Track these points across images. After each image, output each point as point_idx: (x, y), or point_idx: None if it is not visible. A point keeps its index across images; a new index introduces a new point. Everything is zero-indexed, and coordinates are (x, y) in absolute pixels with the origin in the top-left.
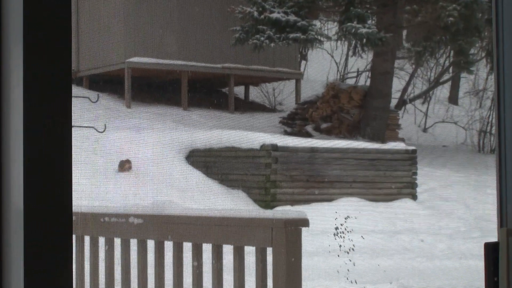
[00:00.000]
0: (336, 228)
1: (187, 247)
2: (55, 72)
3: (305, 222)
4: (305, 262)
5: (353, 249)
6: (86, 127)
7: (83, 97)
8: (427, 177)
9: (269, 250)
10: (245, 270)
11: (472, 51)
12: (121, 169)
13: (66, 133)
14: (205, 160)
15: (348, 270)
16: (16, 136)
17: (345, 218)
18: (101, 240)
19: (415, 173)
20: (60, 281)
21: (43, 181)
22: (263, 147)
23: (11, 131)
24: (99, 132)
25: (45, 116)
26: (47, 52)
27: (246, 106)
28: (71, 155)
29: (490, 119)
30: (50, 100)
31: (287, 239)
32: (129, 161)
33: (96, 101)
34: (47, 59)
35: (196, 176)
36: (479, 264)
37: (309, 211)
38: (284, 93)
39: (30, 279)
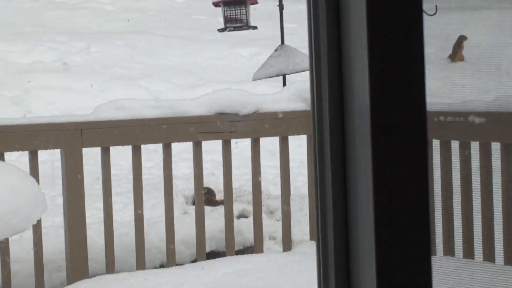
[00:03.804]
0: None
1: None
2: None
3: None
4: None
5: None
6: None
7: None
8: None
9: None
10: None
11: None
12: (455, 58)
13: (416, 19)
14: None
15: None
16: (358, 25)
17: None
18: (435, 143)
19: None
20: (415, 187)
21: (392, 74)
22: None
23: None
24: (429, 15)
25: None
26: None
27: None
28: (423, 45)
29: None
30: None
31: None
32: (463, 49)
33: None
34: None
35: None
36: None
37: None
38: None
39: (379, 182)
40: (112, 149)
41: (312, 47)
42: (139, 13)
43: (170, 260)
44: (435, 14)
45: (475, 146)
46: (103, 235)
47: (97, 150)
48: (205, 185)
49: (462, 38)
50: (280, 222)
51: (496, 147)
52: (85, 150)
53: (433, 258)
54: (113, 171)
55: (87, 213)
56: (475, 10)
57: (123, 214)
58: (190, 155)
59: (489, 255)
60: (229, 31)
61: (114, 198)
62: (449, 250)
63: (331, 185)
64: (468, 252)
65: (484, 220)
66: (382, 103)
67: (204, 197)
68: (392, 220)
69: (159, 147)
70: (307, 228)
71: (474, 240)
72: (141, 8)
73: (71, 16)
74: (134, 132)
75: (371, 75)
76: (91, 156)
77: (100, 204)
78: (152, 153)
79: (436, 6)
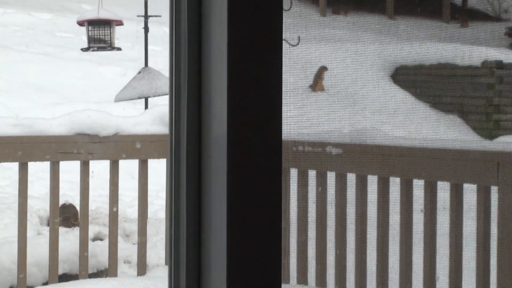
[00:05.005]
0: None
1: (394, 182)
2: None
3: None
4: None
5: None
6: None
7: None
8: None
9: (494, 189)
10: (464, 211)
11: None
12: (315, 88)
13: (276, 49)
14: (414, 79)
15: None
16: (218, 53)
17: None
18: (293, 172)
19: None
20: (268, 212)
21: (250, 103)
22: (485, 64)
23: (212, 45)
24: (292, 45)
25: (252, 30)
26: None
27: (464, 13)
28: (281, 76)
29: None
30: (258, 12)
31: None
32: (324, 79)
33: (289, 9)
34: None
35: (404, 98)
36: None
37: None
38: None
39: (233, 209)
40: None
41: (172, 73)
42: (1, 27)
43: (21, 283)
44: (297, 44)
45: (331, 176)
46: None
47: None
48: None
49: (323, 69)
50: (136, 246)
51: (351, 178)
52: None
53: (286, 286)
54: None
55: None
56: (337, 42)
57: None
58: (46, 174)
59: (340, 284)
60: (92, 51)
61: None
62: (302, 278)
63: (185, 211)
64: (321, 281)
65: (338, 250)
66: (238, 133)
67: (63, 216)
68: (245, 247)
69: (15, 165)
70: (163, 253)
71: (327, 269)
72: (2, 23)
73: None
74: None
75: (229, 102)
76: None
77: None
78: (7, 171)
79: (299, 36)
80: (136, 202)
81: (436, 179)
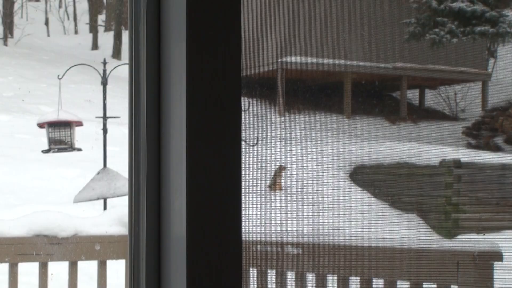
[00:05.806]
0: None
1: (353, 282)
2: (222, 83)
3: (497, 256)
4: None
5: None
6: None
7: None
8: None
9: None
10: None
11: None
12: (274, 188)
13: (235, 150)
14: (372, 179)
15: None
16: (177, 154)
17: None
18: (252, 272)
19: None
20: None
21: (209, 204)
22: (443, 163)
23: (172, 149)
24: (250, 145)
25: (211, 131)
26: (212, 56)
27: (421, 113)
28: (240, 176)
29: None
30: (217, 114)
31: (477, 276)
32: (282, 179)
33: (247, 110)
34: (213, 65)
35: (362, 197)
36: None
37: (500, 241)
38: (468, 98)
39: None
40: None
41: (132, 173)
42: None
43: None
44: (256, 144)
45: (291, 276)
46: None
47: None
48: None
49: (281, 169)
50: None
51: (311, 278)
52: None
53: None
54: None
55: None
56: (295, 141)
57: None
58: (5, 277)
59: None
60: (53, 152)
61: None
62: None
63: None
64: None
65: None
66: (198, 233)
67: None
68: None
69: None
70: None
71: None
72: None
73: None
74: None
75: (189, 203)
76: None
77: None
78: None
79: (257, 137)
80: None
81: (395, 278)
